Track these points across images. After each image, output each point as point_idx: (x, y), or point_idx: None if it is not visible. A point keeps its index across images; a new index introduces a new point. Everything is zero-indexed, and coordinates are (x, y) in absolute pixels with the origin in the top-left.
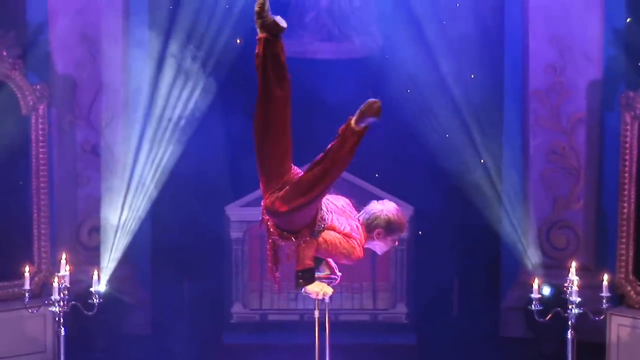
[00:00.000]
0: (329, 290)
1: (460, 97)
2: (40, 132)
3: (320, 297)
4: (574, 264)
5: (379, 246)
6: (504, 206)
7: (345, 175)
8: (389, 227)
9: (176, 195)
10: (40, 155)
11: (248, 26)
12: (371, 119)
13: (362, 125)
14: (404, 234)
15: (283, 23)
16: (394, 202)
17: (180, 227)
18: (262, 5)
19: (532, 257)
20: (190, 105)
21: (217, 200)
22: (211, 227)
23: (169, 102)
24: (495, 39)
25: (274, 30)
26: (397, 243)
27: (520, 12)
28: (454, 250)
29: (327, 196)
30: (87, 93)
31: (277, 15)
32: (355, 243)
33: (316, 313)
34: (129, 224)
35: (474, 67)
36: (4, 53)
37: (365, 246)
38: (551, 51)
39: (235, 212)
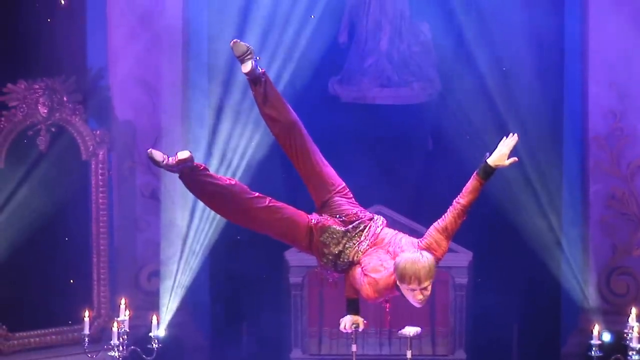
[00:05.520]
0: (343, 325)
1: (520, 143)
2: (100, 177)
3: (341, 328)
4: (634, 310)
5: (406, 295)
6: (564, 251)
7: (405, 220)
8: (396, 273)
9: (235, 239)
10: (100, 200)
11: (308, 71)
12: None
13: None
14: (419, 286)
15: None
16: (452, 247)
17: (239, 272)
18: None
19: (592, 303)
20: (249, 150)
21: (276, 245)
22: (270, 272)
23: (228, 147)
24: (554, 85)
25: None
26: (419, 297)
27: (580, 57)
28: (514, 295)
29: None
30: (147, 138)
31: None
32: (366, 281)
33: (353, 347)
34: (188, 269)
35: (534, 112)
36: (65, 98)
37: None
38: (611, 96)
39: (294, 257)
